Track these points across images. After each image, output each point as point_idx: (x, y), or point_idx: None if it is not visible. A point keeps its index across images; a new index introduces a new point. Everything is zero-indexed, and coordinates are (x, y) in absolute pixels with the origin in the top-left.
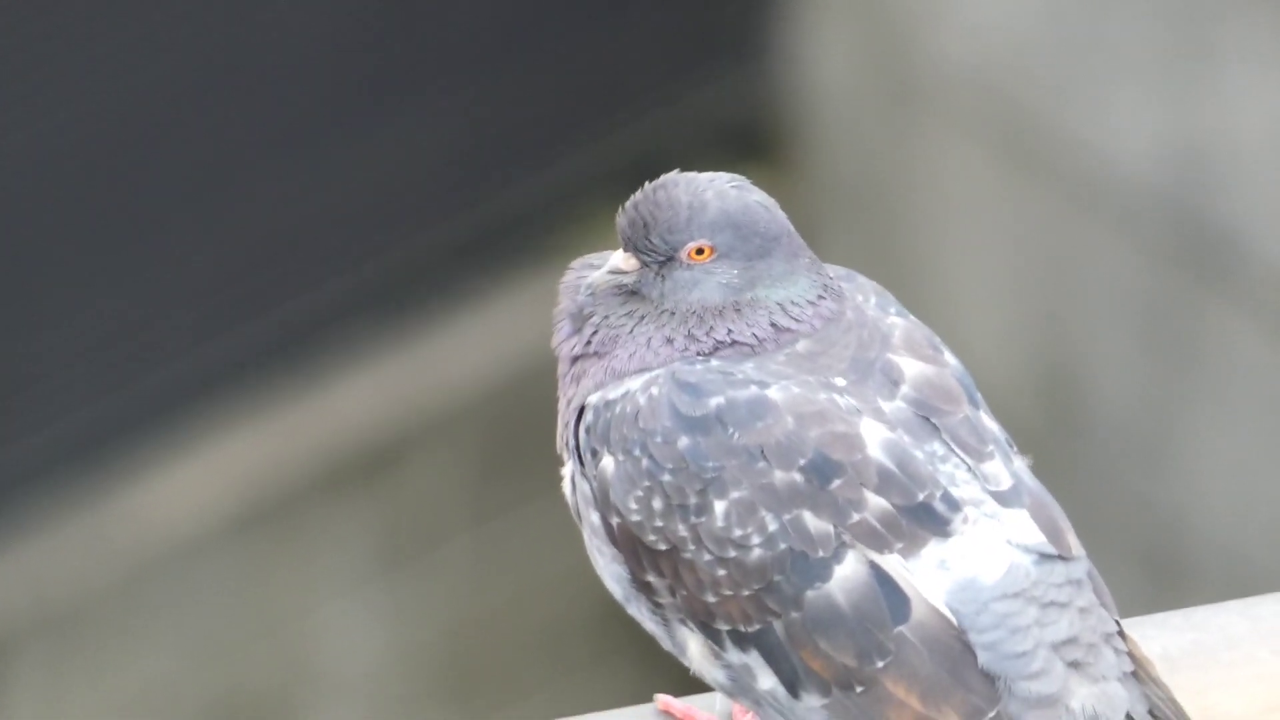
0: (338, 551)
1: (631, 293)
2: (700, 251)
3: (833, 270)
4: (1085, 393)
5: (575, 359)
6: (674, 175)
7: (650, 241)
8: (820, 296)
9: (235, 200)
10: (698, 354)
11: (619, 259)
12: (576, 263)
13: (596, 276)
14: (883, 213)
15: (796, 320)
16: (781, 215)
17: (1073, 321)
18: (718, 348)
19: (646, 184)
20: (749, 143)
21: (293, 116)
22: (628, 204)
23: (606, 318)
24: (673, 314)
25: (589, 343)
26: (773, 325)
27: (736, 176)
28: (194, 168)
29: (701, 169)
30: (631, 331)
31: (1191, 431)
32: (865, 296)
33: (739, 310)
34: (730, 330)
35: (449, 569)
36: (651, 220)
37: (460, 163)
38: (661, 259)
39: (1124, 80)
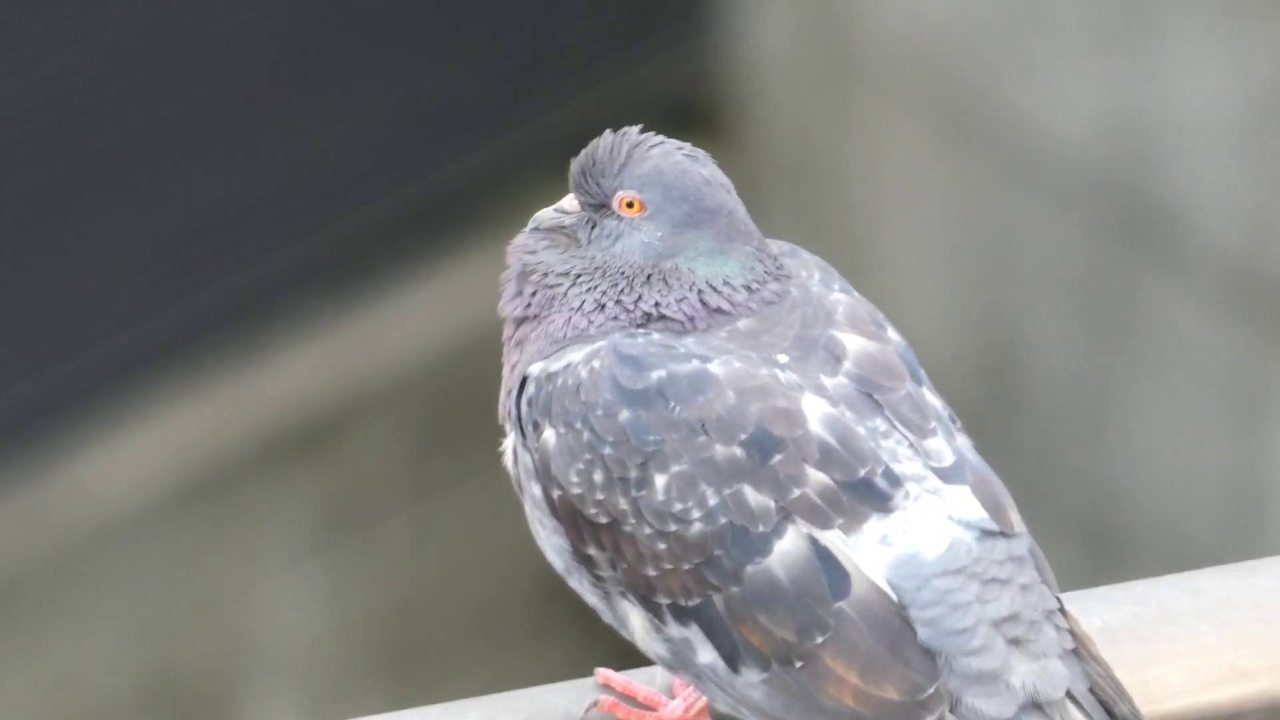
0: (277, 526)
1: (570, 236)
2: (630, 205)
3: (776, 245)
4: (1025, 368)
5: (518, 321)
6: (634, 129)
7: (587, 182)
8: (760, 281)
9: (173, 173)
10: (630, 322)
11: (566, 200)
12: (528, 225)
13: (542, 213)
14: (823, 186)
15: (730, 303)
16: (727, 196)
17: (1012, 296)
18: (647, 319)
19: (609, 131)
20: (690, 115)
21: (231, 89)
22: (582, 150)
23: (545, 276)
24: (603, 273)
25: (529, 304)
26: (703, 304)
27: (696, 149)
28: (132, 140)
29: None
30: (565, 293)
31: (1131, 406)
32: (809, 272)
33: (665, 280)
34: (657, 303)
35: (389, 543)
36: (589, 163)
37: (401, 135)
38: (596, 204)
39: (1063, 54)
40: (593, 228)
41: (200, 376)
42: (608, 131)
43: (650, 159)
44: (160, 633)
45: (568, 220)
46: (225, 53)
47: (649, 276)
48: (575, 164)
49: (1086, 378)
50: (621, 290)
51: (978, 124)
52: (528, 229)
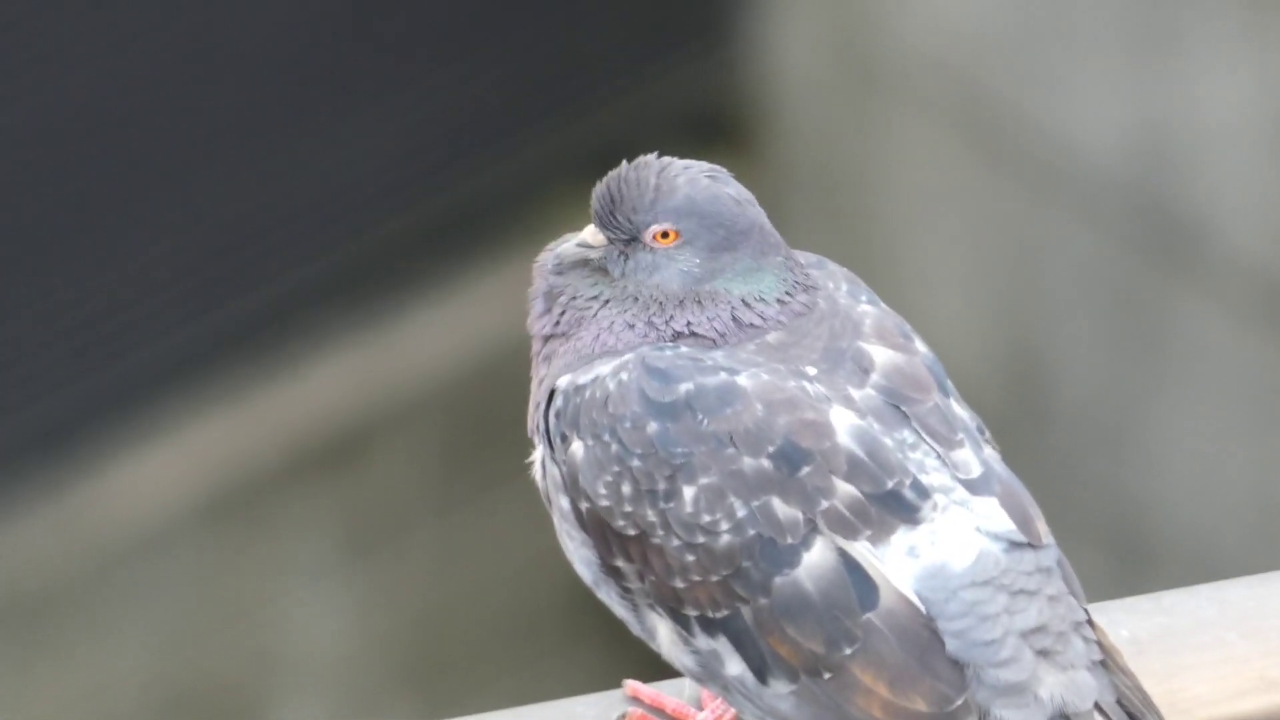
0: (304, 539)
1: (598, 269)
2: (665, 235)
3: (803, 257)
4: (1051, 379)
5: (546, 339)
6: (651, 157)
7: (616, 219)
8: (790, 294)
9: (202, 187)
10: (659, 339)
11: (589, 233)
12: (550, 245)
13: (566, 247)
14: (848, 199)
15: (761, 317)
16: (755, 210)
17: (1039, 308)
18: (677, 337)
19: (625, 162)
20: (715, 129)
21: (261, 104)
22: (604, 180)
23: (574, 298)
24: (635, 299)
25: (558, 322)
26: (735, 320)
27: (716, 167)
28: (162, 156)
29: (668, 155)
30: (595, 315)
31: (1157, 417)
32: (836, 284)
33: (699, 302)
34: (690, 322)
35: (416, 556)
36: (619, 197)
37: (425, 149)
38: (626, 238)
39: (1089, 66)
40: (625, 260)
41: (227, 390)
42: (625, 164)
43: (679, 189)
44: (187, 645)
45: (593, 254)
46: (252, 67)
47: (682, 301)
48: (599, 200)
49: (1113, 389)
50: (653, 313)
51: (1003, 135)
52: (550, 263)
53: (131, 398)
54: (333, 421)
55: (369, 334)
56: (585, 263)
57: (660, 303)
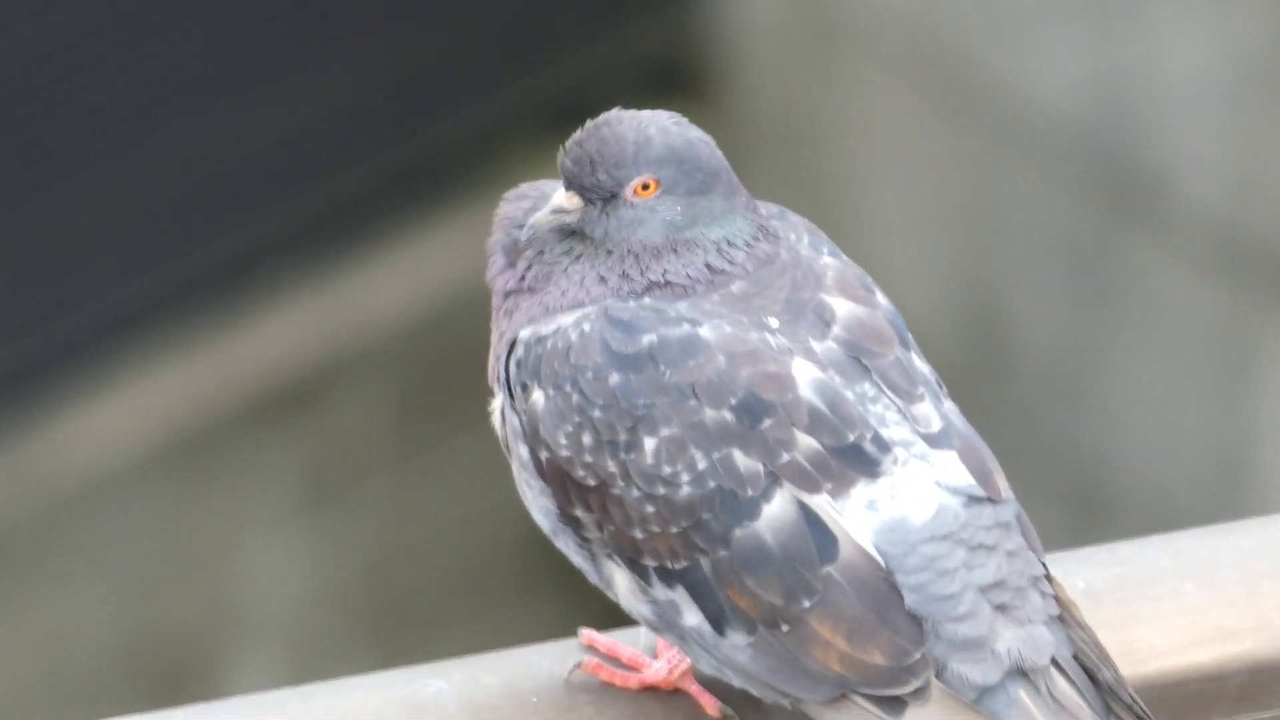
0: (261, 488)
1: (573, 232)
2: (646, 187)
3: (765, 208)
4: (1009, 332)
5: (508, 293)
6: (616, 112)
7: (596, 179)
8: (755, 238)
9: (157, 136)
10: (630, 293)
11: (561, 198)
12: (511, 193)
13: (539, 216)
14: (809, 151)
15: (731, 263)
16: (719, 152)
17: (997, 261)
18: (651, 287)
19: (588, 122)
20: (676, 80)
21: (215, 52)
22: (570, 142)
23: (541, 253)
24: (610, 253)
25: (523, 278)
26: (707, 266)
27: (674, 114)
28: (114, 103)
29: (628, 106)
30: (566, 269)
31: (1115, 370)
32: (798, 235)
33: (676, 250)
34: (665, 271)
35: (373, 505)
36: (598, 157)
37: (382, 100)
38: (606, 196)
39: (1049, 19)
40: (606, 218)
41: (184, 339)
42: (590, 123)
43: (655, 138)
44: (144, 593)
45: (570, 219)
46: (207, 15)
47: (659, 251)
48: (575, 162)
49: (1071, 342)
50: (628, 265)
51: (964, 89)
52: (525, 235)
53: (87, 346)
54: (290, 370)
55: (327, 283)
56: (561, 229)
57: (637, 255)
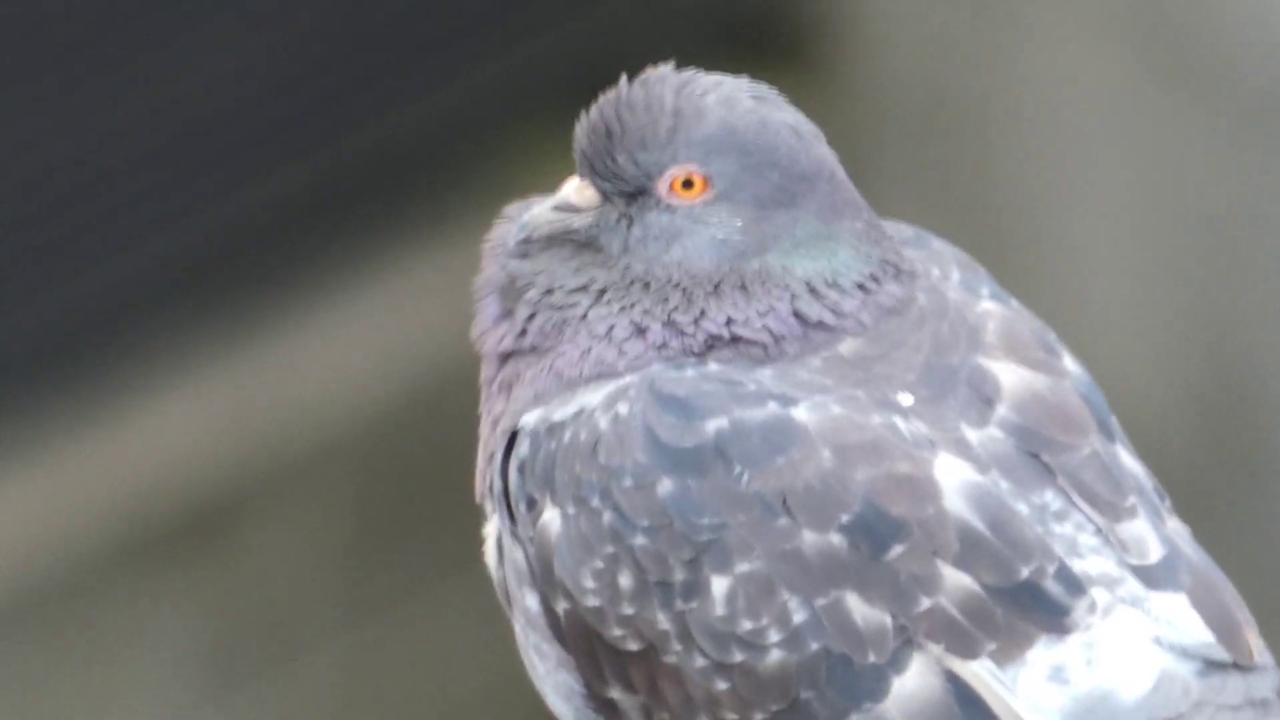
0: (150, 652)
1: (585, 244)
2: (688, 185)
3: (893, 229)
4: (1270, 411)
5: (505, 356)
6: (664, 70)
7: (615, 161)
8: (875, 277)
9: None
10: (684, 352)
11: (572, 189)
12: (512, 208)
13: (536, 213)
14: (961, 143)
15: (836, 312)
16: (824, 150)
17: (1249, 301)
18: (711, 345)
19: (624, 78)
20: (758, 38)
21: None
22: (593, 106)
23: (549, 292)
24: (646, 286)
25: (523, 332)
26: (797, 315)
27: (756, 84)
28: None
29: (689, 66)
30: (585, 315)
31: None
32: (944, 271)
33: (744, 286)
34: (731, 319)
35: (311, 682)
36: (619, 128)
37: (321, 69)
38: (629, 191)
39: None
40: (628, 226)
41: (33, 438)
42: (624, 81)
43: (709, 111)
44: None
45: (579, 222)
46: None
47: (718, 285)
48: (588, 135)
49: None
50: (674, 306)
51: (1193, 52)
52: (512, 239)
53: None
54: (187, 481)
55: (238, 348)
56: (567, 236)
57: (685, 289)
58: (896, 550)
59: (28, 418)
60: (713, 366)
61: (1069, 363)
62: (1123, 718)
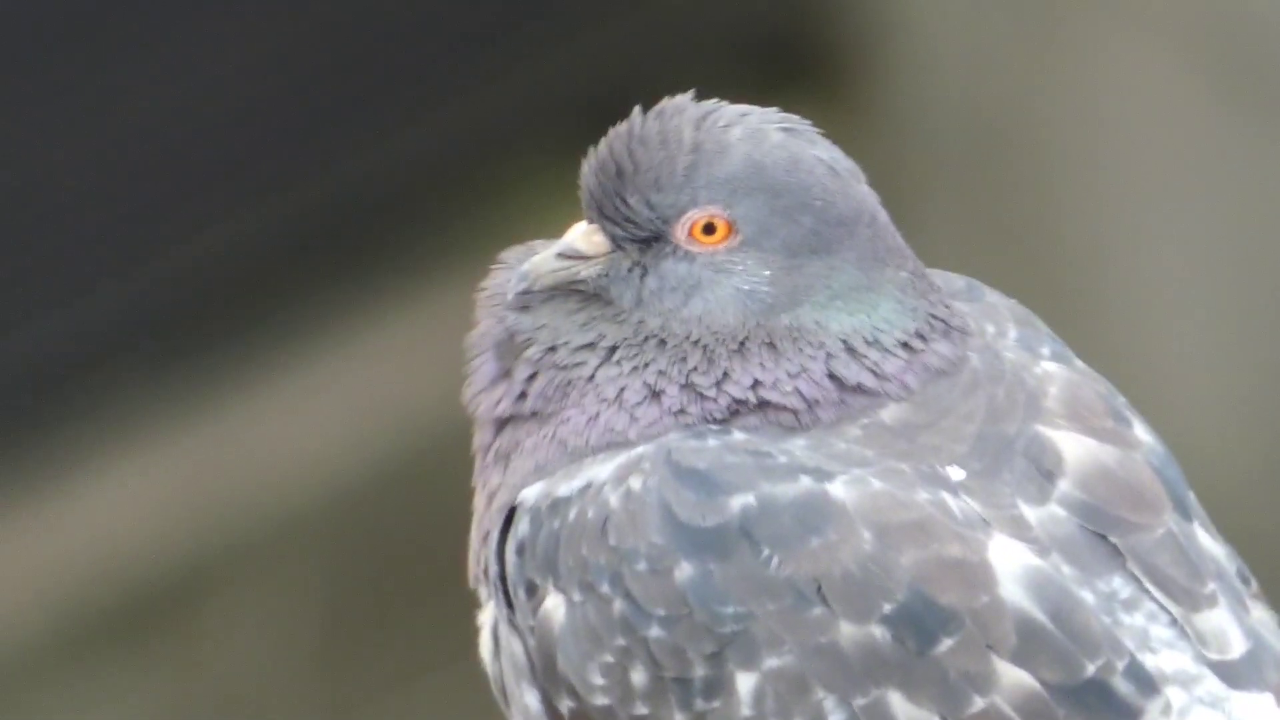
0: None
1: (593, 296)
2: (709, 230)
3: (941, 279)
4: None
5: (502, 422)
6: (682, 100)
7: (627, 204)
8: (920, 336)
9: None
10: (704, 418)
11: (577, 234)
12: (509, 256)
13: (538, 260)
14: (1016, 179)
15: (877, 375)
16: (863, 190)
17: None
18: (736, 410)
19: (638, 110)
20: (785, 62)
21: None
22: (603, 141)
23: (552, 350)
24: (662, 343)
25: (523, 394)
26: (833, 378)
27: (791, 117)
28: None
29: (710, 95)
30: (593, 376)
31: None
32: (999, 328)
33: (772, 344)
34: (758, 381)
35: None
36: (631, 166)
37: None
38: (643, 237)
39: None
40: (642, 277)
41: None
42: (638, 113)
43: (733, 147)
44: None
45: (586, 272)
46: None
47: (744, 344)
48: (597, 174)
49: None
50: (694, 368)
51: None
52: (511, 290)
53: None
54: (137, 559)
55: (196, 410)
56: (573, 286)
57: (706, 348)
58: (946, 644)
59: None
60: (737, 435)
61: (1140, 431)
62: None
